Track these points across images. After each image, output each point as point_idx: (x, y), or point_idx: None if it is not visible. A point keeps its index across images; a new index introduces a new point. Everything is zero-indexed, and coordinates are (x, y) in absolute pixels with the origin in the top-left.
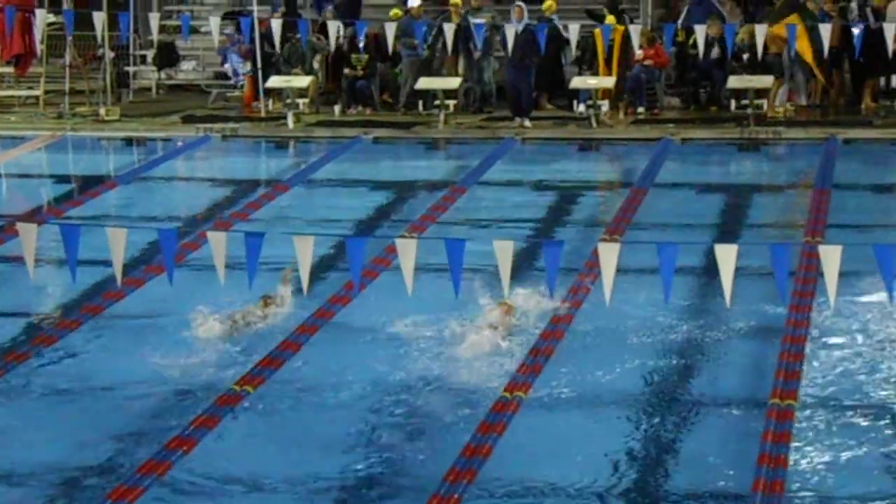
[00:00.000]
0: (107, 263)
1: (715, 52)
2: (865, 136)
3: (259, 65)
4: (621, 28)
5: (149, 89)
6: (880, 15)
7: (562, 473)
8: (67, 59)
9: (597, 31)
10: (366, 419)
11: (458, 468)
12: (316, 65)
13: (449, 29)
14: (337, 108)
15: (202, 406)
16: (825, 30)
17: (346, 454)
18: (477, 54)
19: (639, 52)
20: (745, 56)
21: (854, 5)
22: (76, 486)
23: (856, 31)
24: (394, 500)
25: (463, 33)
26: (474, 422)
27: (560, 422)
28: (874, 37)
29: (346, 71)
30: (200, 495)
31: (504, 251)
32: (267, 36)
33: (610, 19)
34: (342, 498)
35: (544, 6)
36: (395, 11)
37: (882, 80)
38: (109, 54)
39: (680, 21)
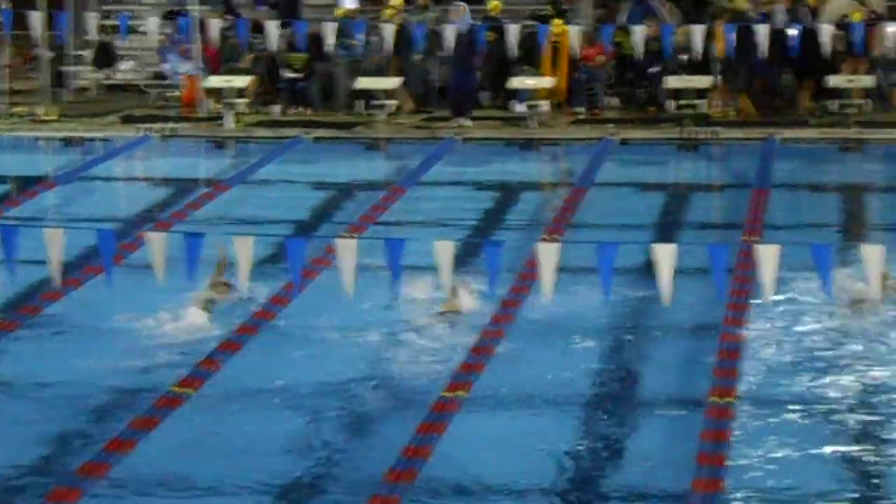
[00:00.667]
0: (45, 264)
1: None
2: (803, 135)
3: (200, 64)
4: (566, 29)
5: (87, 89)
6: (816, 16)
7: (502, 473)
8: (6, 58)
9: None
10: (306, 420)
11: (399, 468)
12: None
13: (388, 29)
14: (276, 109)
15: (142, 407)
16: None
17: (286, 455)
18: (418, 57)
19: (579, 53)
20: (685, 57)
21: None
22: (12, 489)
23: (793, 32)
24: (334, 500)
25: (402, 34)
26: (415, 422)
27: (501, 421)
28: (811, 38)
29: (287, 74)
30: (139, 496)
31: (444, 251)
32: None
33: (556, 21)
34: (283, 499)
35: (490, 6)
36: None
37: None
38: (47, 54)
39: (625, 19)
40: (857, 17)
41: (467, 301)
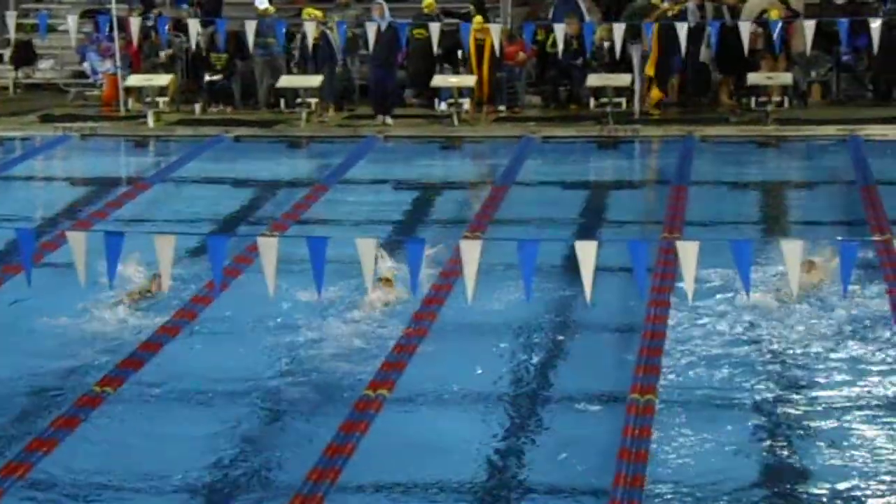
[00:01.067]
0: None
1: (578, 59)
2: (722, 133)
3: (119, 63)
4: (487, 27)
5: (6, 88)
6: (735, 12)
7: (424, 471)
8: None
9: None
10: (228, 419)
11: (321, 467)
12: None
13: (309, 28)
14: (197, 107)
15: (63, 407)
16: (681, 29)
17: (207, 454)
18: (339, 59)
19: (500, 51)
20: (605, 54)
21: (692, 5)
22: None
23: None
24: (257, 499)
25: (322, 35)
26: (337, 420)
27: (422, 419)
28: (730, 35)
29: (207, 75)
30: (61, 497)
31: (367, 249)
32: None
33: (478, 19)
34: (204, 498)
35: (424, 3)
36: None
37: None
38: None
39: (550, 15)
40: (774, 14)
41: (386, 299)
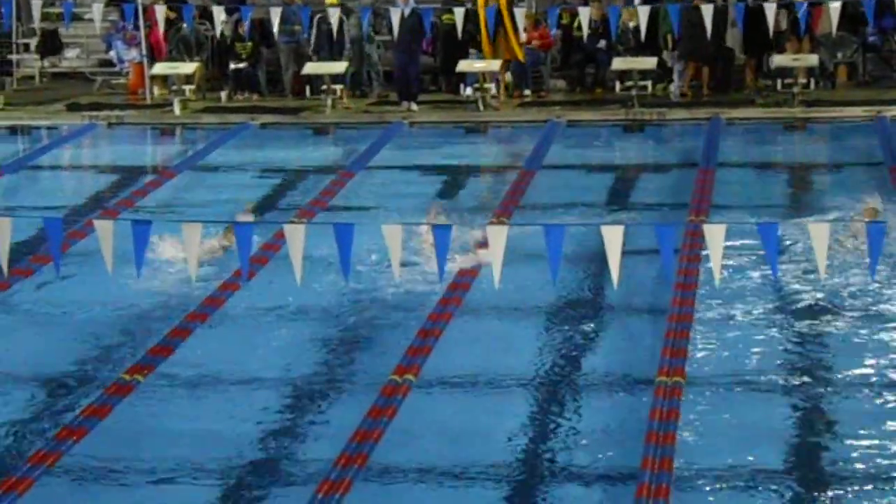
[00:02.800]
0: None
1: (602, 43)
2: (748, 115)
3: (145, 51)
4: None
5: (32, 77)
6: None
7: (451, 455)
8: None
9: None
10: (256, 406)
11: (349, 452)
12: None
13: (333, 15)
14: (223, 95)
15: (92, 396)
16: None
17: (236, 440)
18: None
19: (524, 35)
20: (630, 38)
21: None
22: None
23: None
24: (285, 485)
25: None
26: (365, 405)
27: (450, 404)
28: (754, 16)
29: (232, 63)
30: (91, 483)
31: (393, 236)
32: None
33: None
34: (234, 484)
35: None
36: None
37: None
38: None
39: None
40: None
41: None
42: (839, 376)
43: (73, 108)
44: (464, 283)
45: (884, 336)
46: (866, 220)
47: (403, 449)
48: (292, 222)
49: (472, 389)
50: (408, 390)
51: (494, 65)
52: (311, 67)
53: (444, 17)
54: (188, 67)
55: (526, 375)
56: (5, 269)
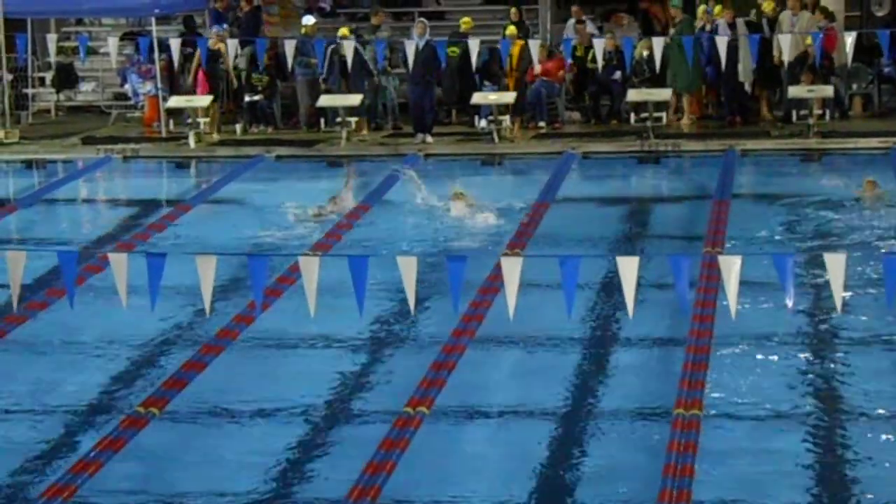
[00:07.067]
0: (7, 287)
1: (617, 74)
2: (763, 147)
3: (159, 85)
4: (521, 42)
5: (48, 111)
6: (773, 24)
7: (466, 488)
8: None
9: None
10: (270, 438)
11: (362, 485)
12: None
13: (348, 47)
14: (238, 128)
15: (107, 428)
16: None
17: (249, 473)
18: (376, 78)
19: (538, 67)
20: (644, 69)
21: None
22: None
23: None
24: None
25: (359, 53)
26: (378, 438)
27: (463, 436)
28: (768, 48)
29: (247, 95)
30: None
31: (408, 267)
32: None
33: (511, 30)
34: None
35: (462, 22)
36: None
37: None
38: (7, 76)
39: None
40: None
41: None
42: (859, 407)
43: (89, 141)
44: (478, 315)
45: None
46: (867, 193)
47: (416, 481)
48: (307, 255)
49: (485, 421)
50: (420, 422)
51: (508, 97)
52: (326, 100)
53: (450, 48)
54: (203, 101)
55: (541, 407)
56: (15, 303)
